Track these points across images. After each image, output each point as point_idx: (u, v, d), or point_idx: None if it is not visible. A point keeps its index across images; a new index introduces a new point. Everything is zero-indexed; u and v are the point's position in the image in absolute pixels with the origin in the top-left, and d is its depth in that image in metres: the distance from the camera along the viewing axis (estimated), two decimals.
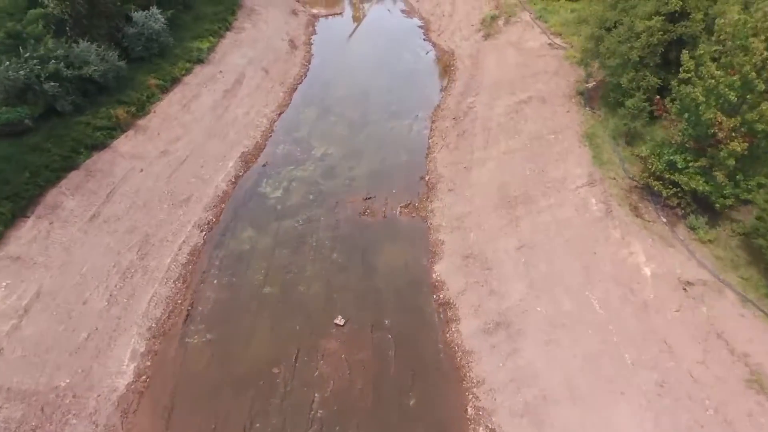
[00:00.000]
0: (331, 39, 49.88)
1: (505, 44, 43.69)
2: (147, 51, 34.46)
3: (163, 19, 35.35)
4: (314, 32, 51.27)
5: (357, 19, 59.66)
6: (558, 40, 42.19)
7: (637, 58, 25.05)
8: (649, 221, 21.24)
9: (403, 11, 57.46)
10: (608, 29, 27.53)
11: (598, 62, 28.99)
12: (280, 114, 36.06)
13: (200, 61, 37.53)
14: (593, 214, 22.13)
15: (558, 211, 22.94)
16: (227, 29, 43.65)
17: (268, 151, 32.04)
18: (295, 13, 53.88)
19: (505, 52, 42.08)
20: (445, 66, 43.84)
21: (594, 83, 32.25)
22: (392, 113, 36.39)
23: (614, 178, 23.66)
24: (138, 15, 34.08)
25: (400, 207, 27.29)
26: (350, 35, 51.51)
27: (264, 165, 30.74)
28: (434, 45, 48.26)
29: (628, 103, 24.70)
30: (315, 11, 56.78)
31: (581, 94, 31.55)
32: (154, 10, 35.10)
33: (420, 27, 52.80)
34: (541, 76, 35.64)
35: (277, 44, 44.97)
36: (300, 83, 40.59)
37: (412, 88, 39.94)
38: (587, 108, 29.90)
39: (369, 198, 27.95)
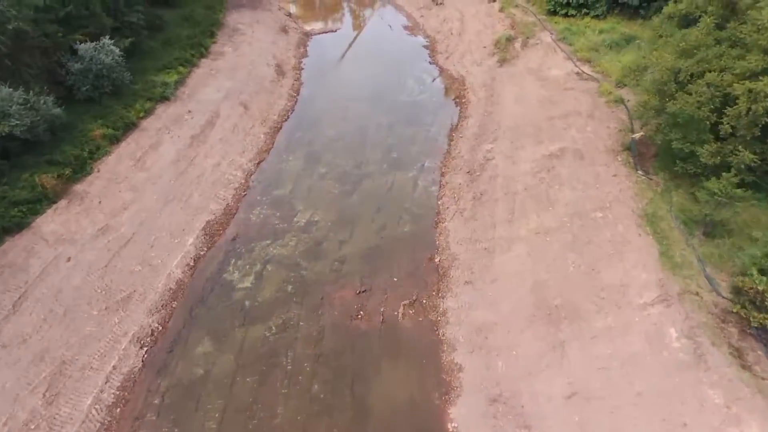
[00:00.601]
0: (324, 62, 43.35)
1: (524, 72, 37.14)
2: (96, 90, 28.04)
3: (118, 51, 28.93)
4: (305, 54, 44.75)
5: (358, 27, 53.51)
6: (587, 69, 35.63)
7: (729, 129, 18.51)
8: (764, 378, 14.77)
9: (405, 28, 50.86)
10: (680, 82, 20.75)
11: (663, 121, 22.20)
12: (259, 163, 29.62)
13: (165, 98, 31.08)
14: (674, 354, 15.67)
15: (621, 340, 16.49)
16: (203, 56, 37.16)
17: (241, 217, 25.63)
18: (285, 30, 47.38)
19: (525, 83, 35.54)
20: (455, 97, 37.29)
21: (643, 133, 25.73)
22: (393, 162, 29.93)
23: (697, 293, 17.13)
24: (85, 47, 27.65)
25: (403, 305, 20.85)
26: (342, 56, 45.01)
27: (234, 239, 24.34)
28: (441, 70, 41.69)
29: (711, 185, 18.01)
30: (308, 28, 50.24)
31: (628, 149, 25.00)
32: (106, 40, 28.62)
33: (425, 47, 46.20)
34: (574, 119, 29.09)
35: (262, 71, 38.49)
36: (285, 120, 34.12)
37: (417, 127, 33.43)
38: (639, 171, 23.34)
39: (363, 291, 21.53)
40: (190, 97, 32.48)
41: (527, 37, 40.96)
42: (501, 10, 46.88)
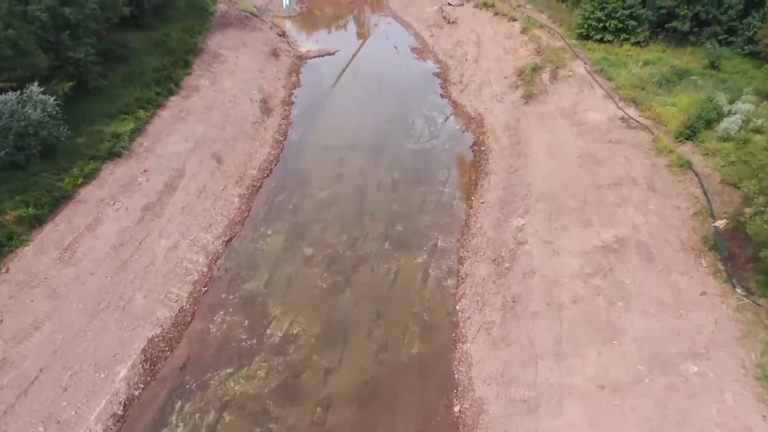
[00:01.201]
0: (318, 94, 36.91)
1: (555, 113, 30.59)
2: (21, 153, 21.78)
3: (52, 101, 22.61)
4: (298, 83, 38.35)
5: (362, 36, 47.25)
6: (633, 112, 29.02)
7: None
8: None
9: (413, 50, 44.30)
10: None
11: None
12: (228, 241, 23.25)
13: (115, 155, 24.70)
14: None
15: None
16: (171, 92, 30.75)
17: (197, 329, 19.24)
18: (275, 54, 40.97)
19: (558, 128, 29.01)
20: (473, 144, 30.74)
21: (727, 221, 19.13)
22: (397, 239, 23.49)
23: None
24: (3, 100, 21.33)
25: None
26: (336, 80, 38.66)
27: (183, 366, 17.92)
28: (455, 106, 35.15)
29: None
30: (303, 50, 43.83)
31: (714, 247, 18.42)
32: (34, 88, 22.26)
33: (436, 75, 39.67)
34: (629, 190, 22.50)
35: (243, 110, 32.08)
36: (267, 176, 27.71)
37: (427, 187, 26.93)
38: (738, 288, 16.79)
39: None
40: (149, 150, 26.12)
41: (557, 67, 34.35)
42: (523, 31, 40.26)
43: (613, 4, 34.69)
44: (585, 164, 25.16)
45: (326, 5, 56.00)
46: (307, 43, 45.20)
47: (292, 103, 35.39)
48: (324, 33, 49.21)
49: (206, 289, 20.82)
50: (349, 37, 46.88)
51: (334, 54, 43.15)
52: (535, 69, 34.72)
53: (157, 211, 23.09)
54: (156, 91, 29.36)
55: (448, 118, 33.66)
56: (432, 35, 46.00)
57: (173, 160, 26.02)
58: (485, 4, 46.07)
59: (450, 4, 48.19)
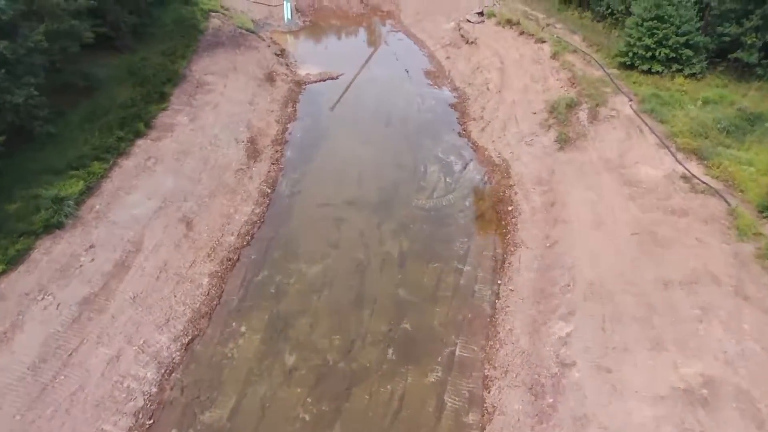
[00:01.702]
0: (318, 129, 31.77)
1: (598, 165, 25.14)
2: None
3: None
4: (294, 115, 33.22)
5: (373, 43, 42.48)
6: (698, 169, 23.50)
7: None
8: None
9: (427, 74, 38.98)
10: None
11: None
12: (189, 344, 18.07)
13: (54, 226, 19.61)
14: None
15: None
16: (139, 134, 25.67)
17: None
18: (270, 79, 35.86)
19: (604, 186, 23.56)
20: (498, 201, 25.37)
21: None
22: (404, 343, 18.14)
23: None
24: None
25: None
26: (334, 105, 33.53)
27: None
28: (476, 148, 29.78)
29: None
30: (303, 72, 38.70)
31: None
32: None
33: (452, 107, 34.32)
34: (710, 295, 16.96)
35: (226, 154, 26.95)
36: (246, 244, 22.57)
37: (443, 265, 21.48)
38: None
39: None
40: (101, 216, 21.04)
41: (596, 104, 28.85)
42: (554, 56, 34.75)
43: (665, 30, 29.05)
44: (644, 245, 19.67)
45: (332, 17, 50.85)
46: (307, 64, 40.01)
47: (286, 141, 30.22)
48: (327, 51, 44.01)
49: (152, 422, 15.70)
50: (355, 57, 41.57)
51: (337, 78, 37.94)
52: (570, 105, 29.24)
53: (100, 305, 18.01)
54: (119, 135, 24.29)
55: (467, 164, 28.29)
56: (448, 57, 40.64)
57: (130, 227, 20.92)
58: (509, 22, 40.61)
59: (469, 21, 42.77)
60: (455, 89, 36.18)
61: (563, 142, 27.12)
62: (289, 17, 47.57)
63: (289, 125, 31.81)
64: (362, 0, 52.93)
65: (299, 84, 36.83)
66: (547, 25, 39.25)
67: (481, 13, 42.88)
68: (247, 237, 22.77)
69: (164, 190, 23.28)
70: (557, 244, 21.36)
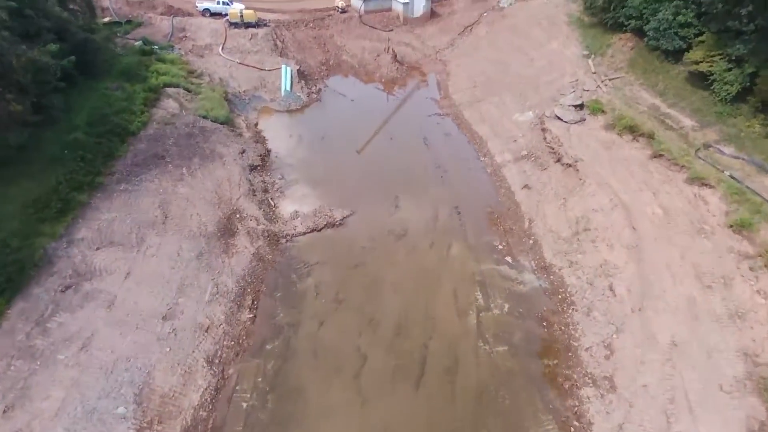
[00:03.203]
0: (298, 375, 16.22)
1: None
2: None
3: None
4: (251, 331, 17.86)
5: (407, 144, 26.21)
6: None
7: None
8: None
9: (490, 222, 22.90)
10: None
11: None
12: None
13: None
14: None
15: None
16: None
17: None
18: (227, 235, 20.81)
19: None
20: None
21: None
22: None
23: None
24: None
25: None
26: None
27: None
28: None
29: None
30: (288, 209, 23.62)
31: None
32: None
33: (541, 321, 18.19)
34: None
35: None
36: None
37: None
38: None
39: None
40: None
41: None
42: (735, 226, 18.27)
43: None
44: None
45: (351, 83, 35.39)
46: (299, 188, 24.67)
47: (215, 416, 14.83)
48: (335, 156, 28.31)
49: None
50: (376, 165, 25.83)
51: (340, 225, 22.33)
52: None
53: None
54: None
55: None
56: (526, 185, 24.30)
57: None
58: (631, 130, 24.11)
59: (559, 118, 26.39)
60: (545, 271, 19.96)
61: None
62: (288, 89, 32.21)
63: (231, 370, 16.41)
64: (395, 57, 37.02)
65: (276, 242, 21.39)
66: (705, 146, 22.51)
67: (580, 107, 26.40)
68: None
69: None
70: None
